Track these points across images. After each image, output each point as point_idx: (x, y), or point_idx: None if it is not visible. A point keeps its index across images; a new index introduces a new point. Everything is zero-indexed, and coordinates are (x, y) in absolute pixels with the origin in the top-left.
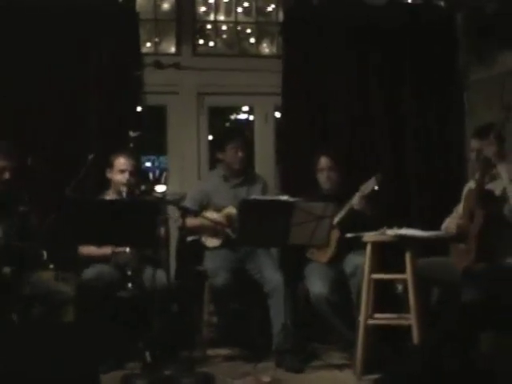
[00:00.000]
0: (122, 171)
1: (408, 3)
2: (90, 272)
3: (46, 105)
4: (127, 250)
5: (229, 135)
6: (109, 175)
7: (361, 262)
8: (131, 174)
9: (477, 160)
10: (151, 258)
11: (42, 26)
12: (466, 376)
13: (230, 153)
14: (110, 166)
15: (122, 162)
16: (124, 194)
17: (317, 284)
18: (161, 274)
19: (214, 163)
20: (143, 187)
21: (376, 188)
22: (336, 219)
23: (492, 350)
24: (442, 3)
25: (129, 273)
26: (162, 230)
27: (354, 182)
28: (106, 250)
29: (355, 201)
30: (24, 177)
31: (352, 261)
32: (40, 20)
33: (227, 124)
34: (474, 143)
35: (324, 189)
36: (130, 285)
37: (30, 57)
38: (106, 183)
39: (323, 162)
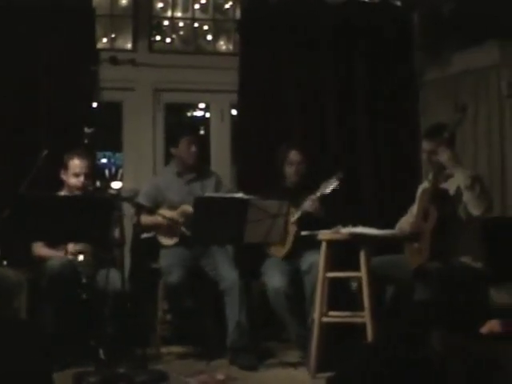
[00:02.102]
0: (77, 174)
1: (365, 2)
2: (54, 262)
3: (2, 100)
4: (81, 257)
5: (181, 130)
6: (63, 176)
7: (316, 260)
8: (86, 176)
9: (428, 161)
10: (105, 257)
11: None
12: (418, 373)
13: (183, 148)
14: (65, 167)
15: (76, 164)
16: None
17: (275, 278)
18: (115, 274)
19: (169, 159)
20: (98, 184)
21: (337, 183)
22: (296, 216)
23: (443, 347)
24: (399, 3)
25: (83, 280)
26: (117, 228)
27: (310, 179)
28: (60, 254)
29: (308, 202)
30: None
31: (308, 258)
32: None
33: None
34: (426, 144)
35: (290, 182)
36: (84, 295)
37: None
38: (60, 183)
39: (293, 155)
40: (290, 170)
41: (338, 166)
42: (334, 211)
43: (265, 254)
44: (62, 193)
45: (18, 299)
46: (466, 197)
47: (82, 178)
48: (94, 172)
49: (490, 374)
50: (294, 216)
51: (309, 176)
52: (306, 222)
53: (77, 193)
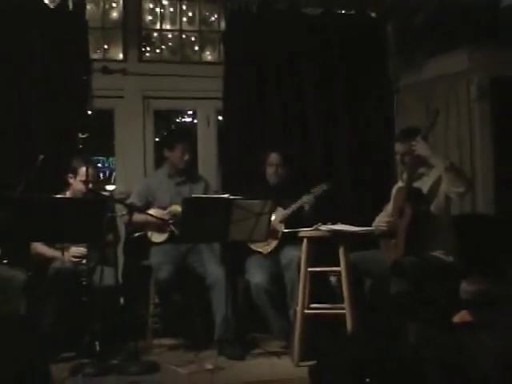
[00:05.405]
0: (85, 182)
1: (342, 13)
2: (58, 265)
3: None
4: (84, 261)
5: (178, 136)
6: (71, 180)
7: (295, 255)
8: (91, 183)
9: (400, 162)
10: (101, 256)
11: None
12: (393, 362)
13: (177, 154)
14: (74, 172)
15: (85, 172)
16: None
17: (256, 275)
18: (109, 271)
19: (159, 163)
20: (91, 186)
21: (324, 190)
22: (285, 213)
23: (417, 337)
24: (374, 14)
25: (84, 283)
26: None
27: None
28: (58, 254)
29: (306, 202)
30: None
31: (287, 254)
32: None
33: (173, 126)
34: (398, 146)
35: (272, 183)
36: (84, 298)
37: None
38: (63, 185)
39: (273, 157)
40: (270, 172)
41: (318, 167)
42: (316, 211)
43: (249, 252)
44: (67, 194)
45: (18, 296)
46: (448, 178)
47: (89, 186)
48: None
49: (461, 362)
50: (281, 215)
51: (290, 177)
52: (293, 220)
53: (79, 195)
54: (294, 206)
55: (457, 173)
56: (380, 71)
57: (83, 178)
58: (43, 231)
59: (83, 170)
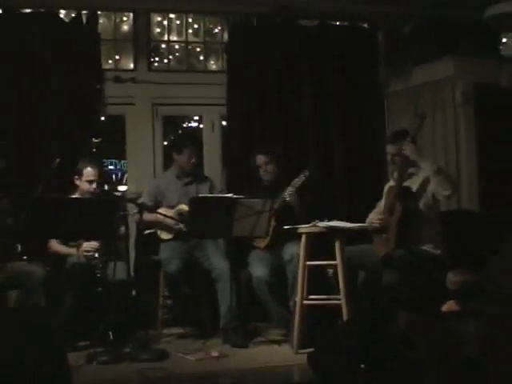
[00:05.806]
0: (91, 181)
1: (336, 25)
2: (74, 259)
3: (20, 114)
4: (97, 254)
5: (186, 141)
6: (77, 182)
7: (296, 251)
8: (97, 183)
9: (391, 162)
10: (112, 251)
11: (16, 42)
12: (385, 348)
13: (185, 157)
14: (79, 173)
15: (90, 172)
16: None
17: (258, 268)
18: (121, 266)
19: (168, 164)
20: (106, 187)
21: (304, 180)
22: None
23: (407, 325)
24: (366, 25)
25: (98, 275)
26: (123, 225)
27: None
28: (73, 250)
29: (287, 193)
30: None
31: (289, 249)
32: (12, 36)
33: (179, 131)
34: (389, 148)
35: (265, 181)
36: (99, 288)
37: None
38: (72, 187)
39: (259, 159)
40: (261, 171)
41: (313, 166)
42: (311, 207)
43: (251, 246)
44: (75, 195)
45: (38, 289)
46: (436, 181)
47: (94, 185)
48: (104, 176)
49: (448, 348)
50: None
51: (282, 174)
52: (284, 216)
53: (87, 196)
54: (279, 200)
55: (444, 177)
56: (372, 78)
57: (88, 179)
58: (60, 229)
59: (87, 170)
